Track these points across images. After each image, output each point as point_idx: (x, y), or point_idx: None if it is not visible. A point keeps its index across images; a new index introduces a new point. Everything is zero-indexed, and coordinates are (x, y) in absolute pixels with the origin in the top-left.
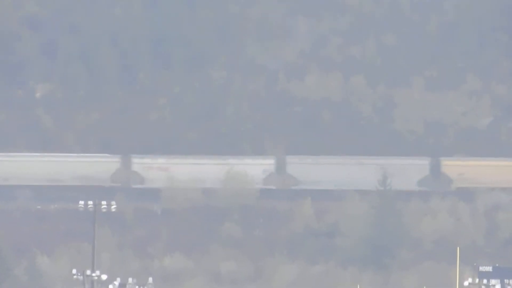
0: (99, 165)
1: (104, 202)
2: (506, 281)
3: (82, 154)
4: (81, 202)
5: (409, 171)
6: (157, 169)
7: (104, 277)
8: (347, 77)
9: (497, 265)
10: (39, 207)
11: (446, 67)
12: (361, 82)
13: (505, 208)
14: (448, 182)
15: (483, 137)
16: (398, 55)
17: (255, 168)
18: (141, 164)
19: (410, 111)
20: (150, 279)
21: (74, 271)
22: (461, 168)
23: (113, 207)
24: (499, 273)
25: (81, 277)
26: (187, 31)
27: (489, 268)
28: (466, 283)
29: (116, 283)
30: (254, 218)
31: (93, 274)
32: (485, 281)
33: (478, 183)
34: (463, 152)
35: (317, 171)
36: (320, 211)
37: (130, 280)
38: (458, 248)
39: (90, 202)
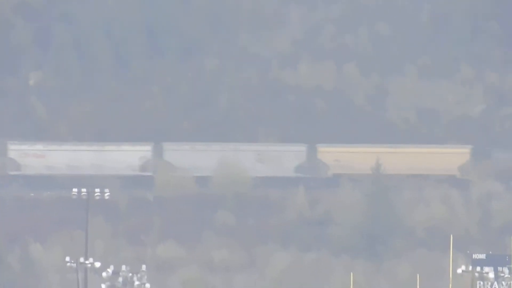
0: None
1: (97, 190)
2: (499, 268)
3: None
4: (75, 190)
5: (286, 157)
6: (33, 156)
7: (97, 264)
8: (339, 65)
9: (490, 252)
10: (32, 194)
11: (439, 55)
12: (354, 71)
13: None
14: (325, 169)
15: (476, 125)
16: (391, 43)
17: (132, 155)
18: (18, 151)
19: (403, 100)
20: (144, 267)
21: (67, 258)
22: (337, 155)
23: (106, 194)
24: (493, 261)
25: (75, 264)
26: (180, 20)
27: (482, 256)
28: (459, 271)
29: (110, 270)
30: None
31: (87, 262)
32: (478, 268)
33: (354, 169)
34: (457, 140)
35: (194, 157)
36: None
37: (123, 267)
38: (451, 235)
39: (84, 190)
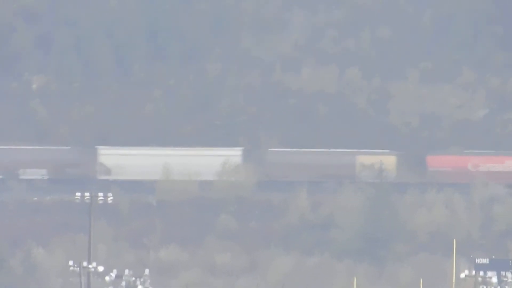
0: None
1: (100, 194)
2: (502, 273)
3: None
4: (78, 194)
5: None
6: None
7: (100, 268)
8: (342, 69)
9: (493, 257)
10: (35, 198)
11: (441, 59)
12: (356, 75)
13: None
14: None
15: (478, 129)
16: (393, 47)
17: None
18: None
19: (405, 104)
20: (147, 271)
21: (71, 262)
22: None
23: (109, 199)
24: (496, 265)
25: (78, 268)
26: (182, 23)
27: (485, 260)
28: (462, 275)
29: (113, 274)
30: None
31: (90, 266)
32: (481, 273)
33: None
34: (459, 144)
35: None
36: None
37: (126, 271)
38: (454, 240)
39: (87, 194)
